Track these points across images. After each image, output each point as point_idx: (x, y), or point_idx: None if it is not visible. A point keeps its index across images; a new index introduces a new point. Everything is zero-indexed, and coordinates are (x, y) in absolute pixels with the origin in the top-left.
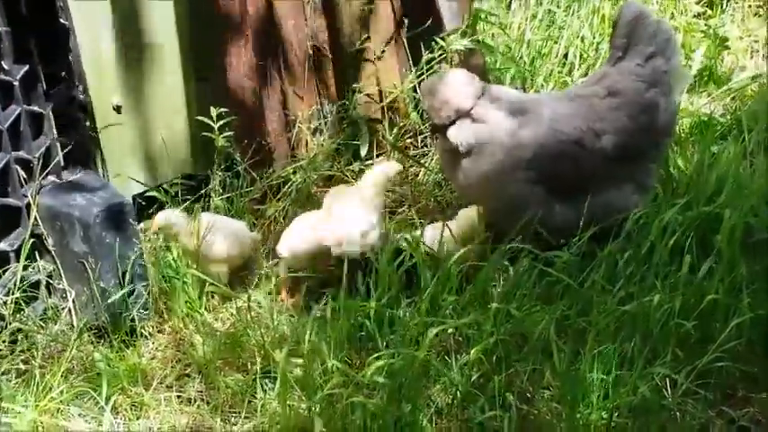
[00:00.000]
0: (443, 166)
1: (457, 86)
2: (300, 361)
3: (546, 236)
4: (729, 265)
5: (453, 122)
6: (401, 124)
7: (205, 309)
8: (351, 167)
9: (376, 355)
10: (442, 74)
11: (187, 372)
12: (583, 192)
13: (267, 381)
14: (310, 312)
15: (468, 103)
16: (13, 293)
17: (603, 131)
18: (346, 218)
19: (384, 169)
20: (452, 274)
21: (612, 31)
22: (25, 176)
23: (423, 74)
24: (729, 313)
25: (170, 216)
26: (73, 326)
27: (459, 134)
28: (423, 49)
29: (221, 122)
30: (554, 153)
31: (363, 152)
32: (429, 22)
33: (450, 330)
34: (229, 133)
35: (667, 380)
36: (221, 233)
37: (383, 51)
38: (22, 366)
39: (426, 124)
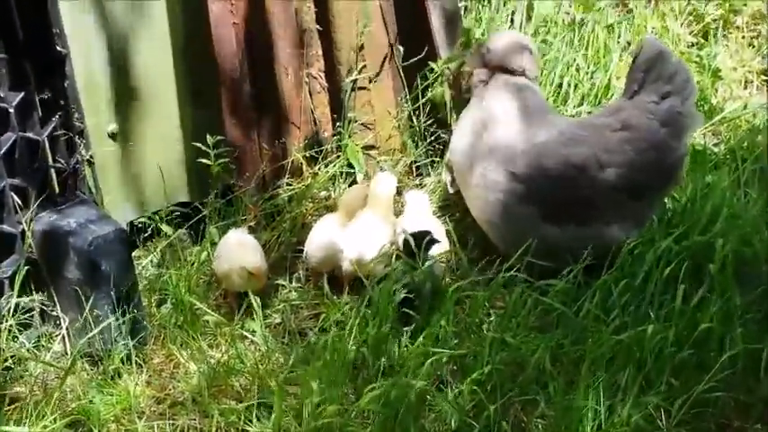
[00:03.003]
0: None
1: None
2: (295, 389)
3: (536, 260)
4: (723, 294)
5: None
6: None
7: (200, 335)
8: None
9: (372, 385)
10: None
11: (181, 400)
12: (579, 220)
13: (262, 409)
14: (306, 338)
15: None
16: (6, 320)
17: (609, 163)
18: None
19: (388, 184)
20: (449, 303)
21: (631, 65)
22: (20, 203)
23: (418, 101)
24: (724, 342)
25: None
26: (67, 353)
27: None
28: (417, 76)
29: (217, 150)
30: (553, 174)
31: (360, 180)
32: (424, 50)
33: (444, 359)
34: (225, 160)
35: (662, 409)
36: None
37: (376, 75)
38: (16, 393)
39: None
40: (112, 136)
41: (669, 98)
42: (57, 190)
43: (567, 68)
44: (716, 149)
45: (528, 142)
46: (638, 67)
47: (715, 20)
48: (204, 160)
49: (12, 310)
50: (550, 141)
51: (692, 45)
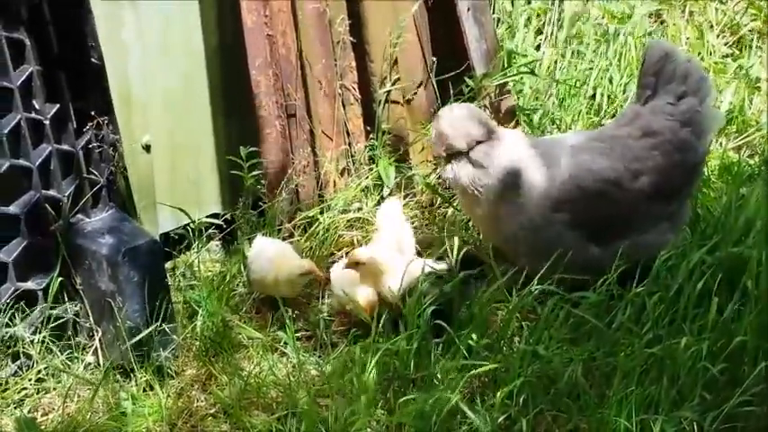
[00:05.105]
0: (462, 207)
1: (457, 123)
2: (327, 401)
3: (582, 278)
4: (757, 306)
5: (450, 158)
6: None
7: (232, 347)
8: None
9: (405, 398)
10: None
11: (212, 411)
12: (621, 233)
13: (293, 422)
14: (337, 351)
15: (462, 144)
16: (40, 332)
17: (640, 172)
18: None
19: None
20: (481, 316)
21: (640, 70)
22: (54, 215)
23: None
24: (758, 356)
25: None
26: (99, 364)
27: (452, 172)
28: (452, 90)
29: (250, 162)
30: (591, 195)
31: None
32: (459, 64)
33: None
34: (257, 172)
35: (694, 424)
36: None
37: (415, 93)
38: (49, 405)
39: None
40: (146, 147)
41: (686, 98)
42: (90, 201)
43: (601, 79)
44: (750, 161)
45: (554, 171)
46: (647, 72)
47: (750, 31)
48: (237, 172)
49: (45, 322)
50: (579, 163)
51: (727, 56)
